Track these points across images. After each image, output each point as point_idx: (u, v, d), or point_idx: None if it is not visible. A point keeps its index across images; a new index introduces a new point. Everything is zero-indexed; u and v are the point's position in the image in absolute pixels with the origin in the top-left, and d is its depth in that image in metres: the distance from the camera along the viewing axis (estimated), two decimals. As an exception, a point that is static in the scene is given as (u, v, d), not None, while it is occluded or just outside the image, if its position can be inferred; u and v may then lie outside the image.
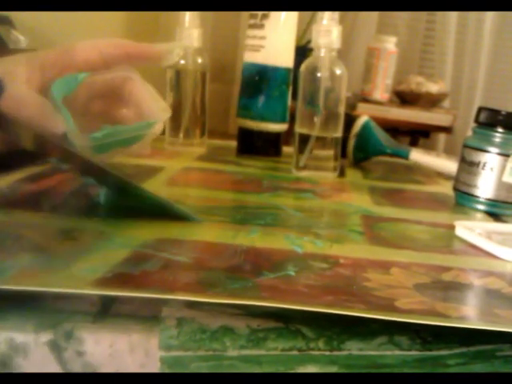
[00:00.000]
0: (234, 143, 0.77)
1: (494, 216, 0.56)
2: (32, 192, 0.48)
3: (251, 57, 0.73)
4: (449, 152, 1.53)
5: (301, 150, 0.65)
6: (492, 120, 0.57)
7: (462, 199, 0.59)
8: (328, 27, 0.63)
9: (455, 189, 0.60)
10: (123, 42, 0.51)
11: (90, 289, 0.29)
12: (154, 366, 0.27)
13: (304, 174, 0.65)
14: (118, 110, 0.51)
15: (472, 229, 0.47)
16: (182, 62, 0.71)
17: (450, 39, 1.73)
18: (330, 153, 0.65)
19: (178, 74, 0.72)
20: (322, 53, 0.63)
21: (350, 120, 0.73)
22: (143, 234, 0.39)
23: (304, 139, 0.65)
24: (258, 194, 0.55)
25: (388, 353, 0.28)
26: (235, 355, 0.27)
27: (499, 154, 0.56)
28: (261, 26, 0.71)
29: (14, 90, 0.44)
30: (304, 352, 0.27)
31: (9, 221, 0.40)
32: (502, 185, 0.56)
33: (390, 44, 1.52)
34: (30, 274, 0.31)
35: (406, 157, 0.75)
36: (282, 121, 0.75)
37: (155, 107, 0.49)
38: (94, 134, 0.44)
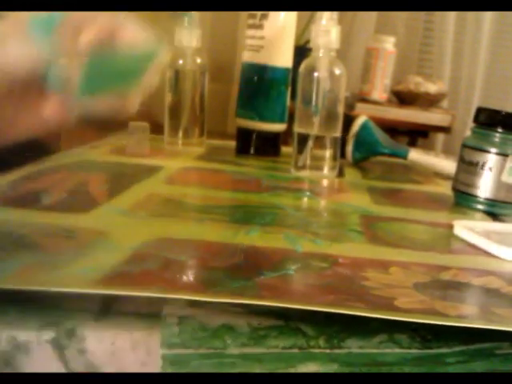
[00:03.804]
0: (232, 143, 0.78)
1: (493, 216, 0.56)
2: (32, 190, 0.48)
3: (250, 57, 0.73)
4: (447, 152, 1.54)
5: (300, 150, 0.65)
6: (491, 120, 0.57)
7: (461, 199, 0.59)
8: (327, 27, 0.63)
9: (454, 188, 0.60)
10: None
11: (92, 288, 0.29)
12: (155, 364, 0.27)
13: (303, 173, 0.65)
14: None
15: (471, 228, 0.47)
16: (181, 62, 0.71)
17: (449, 39, 1.74)
18: (329, 153, 0.65)
19: (177, 74, 0.72)
20: (321, 53, 0.64)
21: (348, 120, 0.73)
22: (144, 233, 0.39)
23: (303, 139, 0.65)
24: (257, 194, 0.55)
25: (388, 351, 0.28)
26: (236, 353, 0.27)
27: (498, 153, 0.56)
28: (260, 26, 0.71)
29: None
30: (304, 350, 0.27)
31: (10, 220, 0.40)
32: (500, 184, 0.56)
33: (389, 44, 1.52)
34: (31, 273, 0.31)
35: (404, 157, 0.75)
36: (281, 121, 0.75)
37: (152, 41, 0.46)
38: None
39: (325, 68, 0.63)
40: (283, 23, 0.71)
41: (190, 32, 0.70)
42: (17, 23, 0.43)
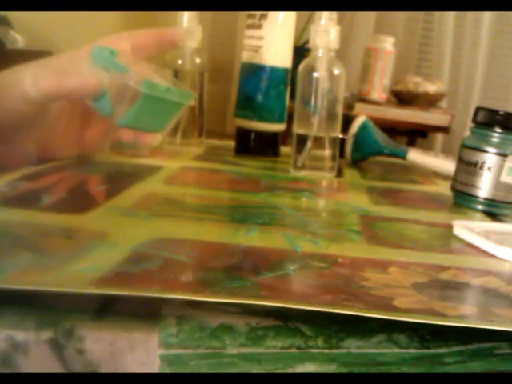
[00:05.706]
0: (231, 143, 0.78)
1: (492, 216, 0.56)
2: (31, 190, 0.48)
3: (249, 57, 0.73)
4: (446, 152, 1.54)
5: (299, 150, 0.65)
6: (490, 120, 0.57)
7: (460, 199, 0.59)
8: (326, 27, 0.63)
9: (453, 188, 0.60)
10: (152, 31, 0.53)
11: (91, 288, 0.29)
12: (154, 364, 0.27)
13: (302, 173, 0.65)
14: None
15: (470, 228, 0.47)
16: (180, 62, 0.71)
17: (448, 39, 1.74)
18: (328, 153, 0.65)
19: (177, 74, 0.72)
20: (320, 53, 0.64)
21: (347, 120, 0.73)
22: (142, 233, 0.39)
23: (302, 139, 0.65)
24: (256, 194, 0.55)
25: (386, 351, 0.28)
26: (234, 353, 0.27)
27: (497, 153, 0.56)
28: (259, 26, 0.71)
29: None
30: (303, 350, 0.27)
31: (8, 220, 0.40)
32: (499, 184, 0.56)
33: (388, 44, 1.52)
34: (30, 273, 0.31)
35: (403, 157, 0.75)
36: (280, 121, 0.75)
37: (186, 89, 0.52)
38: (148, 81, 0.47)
39: (324, 68, 0.63)
40: (282, 23, 0.71)
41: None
42: (84, 52, 0.48)
